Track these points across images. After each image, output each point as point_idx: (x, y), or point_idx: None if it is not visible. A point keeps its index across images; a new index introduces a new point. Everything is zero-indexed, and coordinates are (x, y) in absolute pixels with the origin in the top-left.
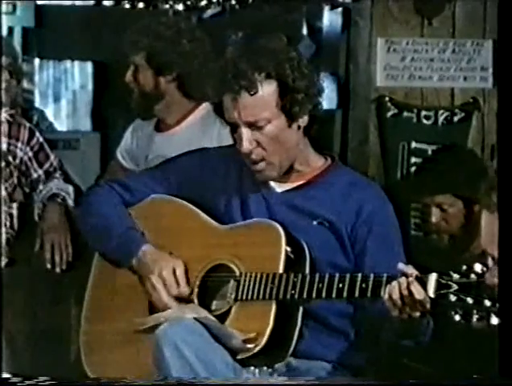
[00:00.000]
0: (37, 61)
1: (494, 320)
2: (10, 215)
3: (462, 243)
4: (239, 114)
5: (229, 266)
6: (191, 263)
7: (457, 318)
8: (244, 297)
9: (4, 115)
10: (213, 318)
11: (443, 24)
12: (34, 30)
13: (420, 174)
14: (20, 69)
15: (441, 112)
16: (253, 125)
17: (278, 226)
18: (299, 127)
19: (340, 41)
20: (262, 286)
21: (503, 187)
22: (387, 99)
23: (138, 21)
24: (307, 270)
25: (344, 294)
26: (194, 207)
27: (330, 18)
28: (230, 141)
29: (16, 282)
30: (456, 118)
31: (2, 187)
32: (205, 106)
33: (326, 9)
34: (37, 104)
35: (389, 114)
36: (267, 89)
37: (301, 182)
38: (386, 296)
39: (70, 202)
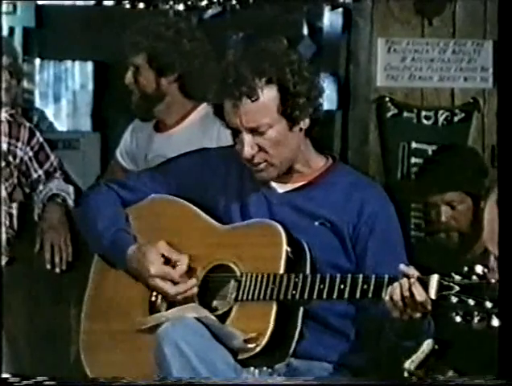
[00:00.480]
0: (37, 61)
1: (495, 322)
2: (10, 215)
3: (471, 240)
4: (240, 120)
5: (229, 266)
6: (191, 263)
7: (458, 319)
8: (245, 298)
9: (4, 115)
10: (214, 318)
11: (444, 24)
12: (34, 30)
13: (423, 173)
14: (20, 69)
15: (441, 112)
16: (254, 131)
17: (279, 226)
18: (300, 129)
19: (340, 41)
20: (263, 287)
21: (503, 187)
22: (387, 99)
23: (139, 21)
24: (308, 270)
25: (346, 295)
26: (194, 207)
27: (330, 19)
28: (230, 142)
29: (16, 282)
30: (456, 118)
31: (2, 187)
32: (205, 106)
33: (326, 9)
34: (37, 104)
35: (389, 114)
36: (268, 95)
37: (302, 183)
38: (388, 297)
39: (70, 202)
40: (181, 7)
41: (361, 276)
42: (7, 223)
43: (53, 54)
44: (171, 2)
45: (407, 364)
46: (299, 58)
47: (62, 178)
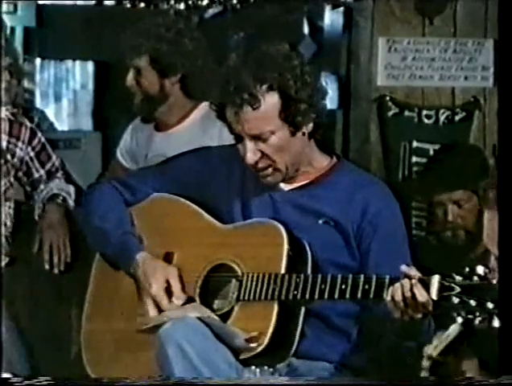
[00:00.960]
0: (38, 61)
1: (496, 322)
2: (10, 215)
3: (477, 238)
4: (242, 127)
5: (230, 266)
6: (192, 262)
7: (459, 320)
8: (246, 298)
9: (5, 113)
10: (217, 318)
11: (445, 24)
12: (35, 29)
13: (427, 172)
14: (21, 69)
15: (442, 111)
16: (257, 138)
17: (280, 226)
18: (303, 134)
19: (341, 40)
20: (265, 287)
21: (503, 186)
22: (388, 98)
23: (139, 22)
24: (309, 270)
25: (347, 295)
26: (196, 207)
27: (331, 18)
28: (231, 140)
29: (16, 282)
30: (457, 118)
31: (2, 186)
32: (205, 105)
33: (327, 8)
34: (38, 103)
35: (390, 114)
36: (270, 102)
37: (307, 182)
38: (389, 297)
39: (70, 202)
40: (182, 7)
41: (362, 276)
42: (7, 222)
43: (54, 54)
44: (172, 2)
45: (429, 349)
46: (300, 62)
47: (63, 178)
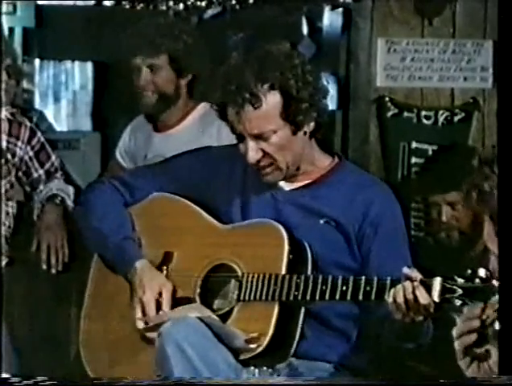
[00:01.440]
0: (37, 61)
1: (497, 325)
2: (10, 214)
3: (472, 239)
4: (244, 127)
5: (230, 266)
6: (192, 262)
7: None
8: (246, 298)
9: (5, 113)
10: (217, 318)
11: (444, 24)
12: (34, 30)
13: (424, 173)
14: (20, 70)
15: (441, 112)
16: (258, 137)
17: (280, 227)
18: (304, 133)
19: (340, 41)
20: (265, 287)
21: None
22: (387, 99)
23: (140, 21)
24: (310, 271)
25: (348, 297)
26: (196, 206)
27: (330, 19)
28: (230, 140)
29: (16, 282)
30: (456, 118)
31: (3, 186)
32: (204, 105)
33: (326, 9)
34: (37, 104)
35: (389, 114)
36: (271, 101)
37: (308, 181)
38: (391, 299)
39: (69, 203)
40: (181, 7)
41: (363, 278)
42: (7, 222)
43: (53, 54)
44: (171, 2)
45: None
46: (301, 62)
47: (63, 178)
